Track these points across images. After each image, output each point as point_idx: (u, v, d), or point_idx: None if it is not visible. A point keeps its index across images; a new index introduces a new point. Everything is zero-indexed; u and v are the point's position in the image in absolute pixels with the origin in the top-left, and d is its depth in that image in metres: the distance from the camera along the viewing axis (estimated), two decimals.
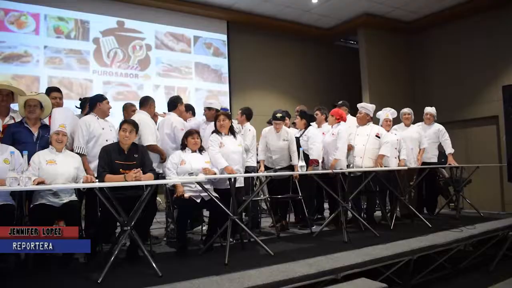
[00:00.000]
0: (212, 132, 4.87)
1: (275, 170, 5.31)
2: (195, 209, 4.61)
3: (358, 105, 6.03)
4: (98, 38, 8.40)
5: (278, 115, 5.43)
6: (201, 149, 4.70)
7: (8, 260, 3.80)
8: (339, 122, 5.53)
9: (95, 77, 8.26)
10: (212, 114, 5.22)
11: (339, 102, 6.23)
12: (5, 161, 3.56)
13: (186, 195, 4.35)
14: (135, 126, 4.18)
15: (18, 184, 3.16)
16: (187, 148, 4.63)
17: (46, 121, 4.30)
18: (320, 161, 5.51)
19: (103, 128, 4.45)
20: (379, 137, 5.70)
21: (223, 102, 9.36)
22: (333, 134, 5.50)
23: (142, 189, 3.89)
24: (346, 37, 11.90)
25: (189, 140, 4.62)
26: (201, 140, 4.72)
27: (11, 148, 3.65)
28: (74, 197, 3.92)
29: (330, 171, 5.09)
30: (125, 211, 3.65)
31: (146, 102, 5.05)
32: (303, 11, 9.88)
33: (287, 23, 10.42)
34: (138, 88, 8.66)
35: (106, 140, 4.38)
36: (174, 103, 5.24)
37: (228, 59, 9.91)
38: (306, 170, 5.00)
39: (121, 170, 3.95)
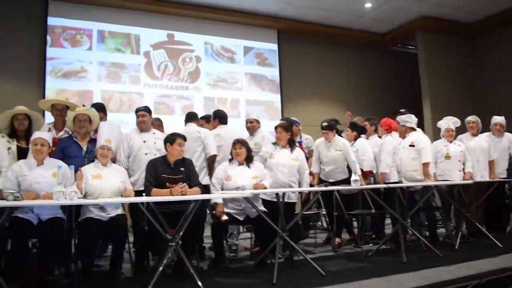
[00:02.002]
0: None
1: (327, 184, 5.02)
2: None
3: (398, 118, 5.67)
4: (148, 51, 8.54)
5: (324, 124, 5.20)
6: (249, 161, 4.50)
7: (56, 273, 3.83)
8: (389, 132, 5.22)
9: (146, 90, 8.38)
10: (258, 127, 5.32)
11: (401, 110, 5.87)
12: (53, 175, 3.60)
13: (224, 218, 4.17)
14: (185, 140, 4.16)
15: (65, 198, 3.17)
16: (233, 160, 4.49)
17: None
18: (374, 171, 5.22)
19: (144, 141, 4.46)
20: (413, 146, 5.28)
21: (275, 112, 9.24)
22: (378, 145, 5.21)
23: (189, 203, 3.80)
24: (403, 42, 11.38)
25: (232, 151, 4.48)
26: (247, 150, 4.51)
27: (60, 162, 3.67)
28: (120, 211, 3.91)
29: (382, 185, 4.79)
30: (171, 226, 3.59)
31: (195, 116, 5.19)
32: (356, 16, 9.57)
33: (338, 30, 10.13)
34: (188, 100, 8.69)
35: (146, 154, 4.39)
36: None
37: (279, 69, 9.76)
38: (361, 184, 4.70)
39: (167, 184, 3.92)
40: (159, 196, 3.75)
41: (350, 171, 5.06)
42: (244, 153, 4.43)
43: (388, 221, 6.02)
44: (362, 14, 9.44)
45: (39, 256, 3.50)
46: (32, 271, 3.41)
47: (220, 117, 5.39)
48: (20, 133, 4.12)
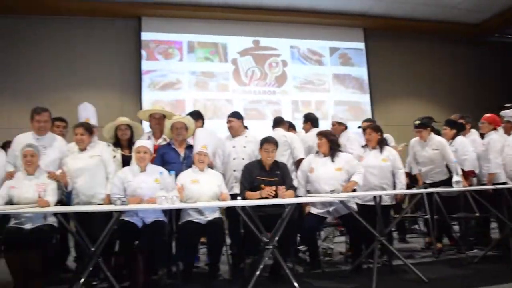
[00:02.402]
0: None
1: (426, 186, 4.74)
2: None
3: (502, 113, 5.22)
4: (236, 58, 8.76)
5: (417, 122, 4.98)
6: (333, 153, 4.34)
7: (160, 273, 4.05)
8: (495, 129, 4.83)
9: (235, 97, 8.60)
10: (342, 129, 5.16)
11: (507, 105, 5.43)
12: (156, 181, 3.81)
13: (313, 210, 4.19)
14: (276, 145, 4.18)
15: (167, 202, 3.36)
16: (319, 152, 4.42)
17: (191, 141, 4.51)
18: (476, 172, 4.86)
19: (233, 146, 4.58)
20: None
21: (365, 112, 8.98)
22: (484, 144, 4.83)
23: (284, 207, 3.81)
24: (501, 31, 10.47)
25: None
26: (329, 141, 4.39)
27: (161, 169, 3.89)
28: (218, 214, 4.02)
29: (490, 186, 4.44)
30: (266, 229, 3.62)
31: (282, 121, 5.21)
32: (447, 7, 9.01)
33: (428, 23, 9.59)
34: (274, 104, 8.76)
35: (234, 159, 4.51)
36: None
37: (368, 68, 9.47)
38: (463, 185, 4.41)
39: (262, 186, 3.97)
40: (253, 199, 3.81)
41: (449, 171, 4.77)
42: (325, 144, 4.34)
43: (493, 225, 5.56)
44: (454, 4, 8.87)
45: (144, 257, 3.70)
46: (138, 271, 3.62)
47: (311, 120, 5.39)
48: (123, 142, 4.42)
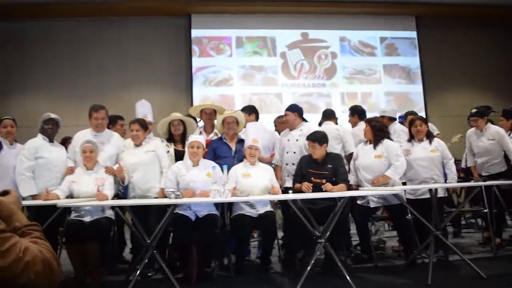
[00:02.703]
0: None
1: (484, 179, 4.49)
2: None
3: None
4: (284, 52, 8.70)
5: (473, 110, 4.80)
6: (376, 141, 4.22)
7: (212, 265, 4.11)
8: None
9: (284, 91, 8.56)
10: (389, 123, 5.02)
11: None
12: (208, 175, 3.87)
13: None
14: (317, 141, 4.05)
15: (220, 196, 3.40)
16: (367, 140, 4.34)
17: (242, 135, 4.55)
18: None
19: (288, 140, 4.55)
20: None
21: (413, 103, 8.68)
22: None
23: (334, 200, 3.76)
24: None
25: None
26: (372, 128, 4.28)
27: (213, 163, 3.94)
28: (269, 208, 4.04)
29: None
30: (320, 223, 3.59)
31: (333, 114, 5.13)
32: None
33: (484, 8, 9.05)
34: (325, 97, 8.64)
35: (287, 153, 4.49)
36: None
37: (420, 57, 9.12)
38: None
39: (312, 179, 3.96)
40: (305, 193, 3.78)
41: (508, 163, 4.54)
42: (369, 131, 4.26)
43: None
44: None
45: (197, 249, 3.77)
46: (192, 263, 3.69)
47: (358, 113, 5.28)
48: (177, 137, 4.51)
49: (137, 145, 4.18)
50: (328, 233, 3.51)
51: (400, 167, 4.06)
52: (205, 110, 4.77)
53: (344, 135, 4.77)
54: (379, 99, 8.77)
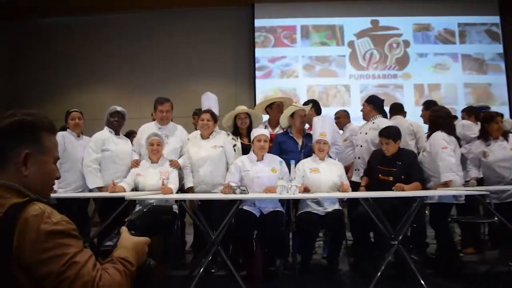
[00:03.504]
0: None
1: None
2: None
3: None
4: (352, 41, 8.30)
5: None
6: None
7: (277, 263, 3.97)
8: None
9: (352, 82, 8.17)
10: None
11: None
12: (272, 170, 3.73)
13: None
14: (389, 137, 3.82)
15: (287, 192, 3.25)
16: None
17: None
18: None
19: (360, 133, 4.46)
20: None
21: (493, 96, 7.97)
22: None
23: (400, 200, 3.50)
24: None
25: None
26: None
27: (279, 158, 3.79)
28: (337, 206, 3.83)
29: None
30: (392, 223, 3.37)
31: (402, 108, 4.97)
32: None
33: None
34: (397, 88, 8.14)
35: (357, 146, 4.41)
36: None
37: (503, 45, 8.27)
38: None
39: (380, 175, 3.79)
40: (378, 192, 3.55)
41: None
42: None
43: None
44: None
45: (261, 246, 3.65)
46: (256, 260, 3.58)
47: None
48: (242, 130, 4.40)
49: (205, 137, 4.11)
50: (402, 235, 3.27)
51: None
52: (273, 103, 4.64)
53: (418, 131, 4.61)
54: (460, 92, 8.12)
